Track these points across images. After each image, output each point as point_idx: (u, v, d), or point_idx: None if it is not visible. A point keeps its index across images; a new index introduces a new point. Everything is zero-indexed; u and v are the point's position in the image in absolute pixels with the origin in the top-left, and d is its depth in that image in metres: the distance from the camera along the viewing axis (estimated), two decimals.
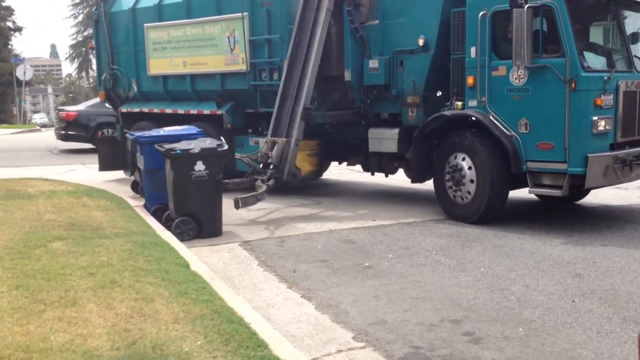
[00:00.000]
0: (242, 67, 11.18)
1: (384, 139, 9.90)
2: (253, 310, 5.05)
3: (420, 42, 9.19)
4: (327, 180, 13.01)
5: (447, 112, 8.84)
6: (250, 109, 11.34)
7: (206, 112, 11.79)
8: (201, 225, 8.02)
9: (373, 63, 9.81)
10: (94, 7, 14.79)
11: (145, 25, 12.69)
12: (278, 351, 4.13)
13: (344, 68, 10.14)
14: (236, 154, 10.72)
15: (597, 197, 10.12)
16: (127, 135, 9.95)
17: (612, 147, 7.97)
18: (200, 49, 11.81)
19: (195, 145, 8.07)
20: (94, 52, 14.78)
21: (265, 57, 10.94)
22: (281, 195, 10.81)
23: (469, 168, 8.48)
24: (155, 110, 12.77)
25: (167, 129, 9.47)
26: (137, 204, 9.54)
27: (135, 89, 13.19)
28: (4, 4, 61.58)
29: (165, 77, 12.61)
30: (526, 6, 7.59)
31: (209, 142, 8.31)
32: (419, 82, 9.37)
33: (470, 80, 8.51)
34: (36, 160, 17.82)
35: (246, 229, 8.58)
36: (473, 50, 8.46)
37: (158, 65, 12.60)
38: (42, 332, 4.26)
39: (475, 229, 8.21)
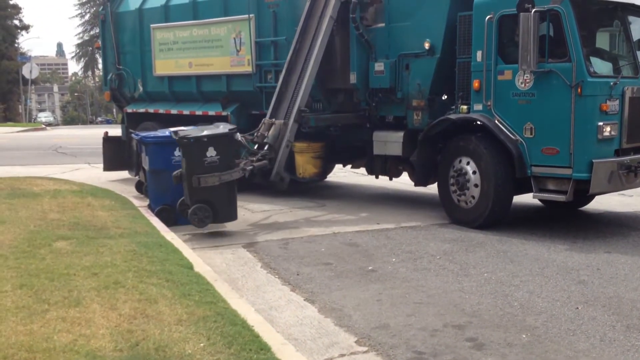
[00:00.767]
0: (247, 68, 11.20)
1: (389, 142, 9.89)
2: (256, 312, 5.05)
3: (426, 45, 9.19)
4: (331, 183, 13.01)
5: (453, 116, 8.83)
6: (256, 110, 11.35)
7: (211, 113, 11.80)
8: (217, 210, 8.08)
9: (379, 66, 9.81)
10: (101, 7, 14.81)
11: (151, 25, 12.72)
12: (281, 354, 4.13)
13: (349, 79, 10.14)
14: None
15: (602, 203, 10.09)
16: (133, 135, 9.98)
17: (617, 153, 7.95)
18: (206, 50, 11.83)
19: (208, 131, 8.17)
20: (100, 51, 14.82)
21: (271, 58, 10.96)
22: (285, 197, 10.83)
23: (474, 172, 8.47)
24: (161, 111, 12.79)
25: (172, 129, 9.46)
26: (141, 204, 9.56)
27: (141, 89, 13.23)
28: (11, 2, 61.82)
29: (170, 78, 12.63)
30: (533, 10, 7.59)
31: (221, 127, 8.35)
32: (424, 85, 9.37)
33: (476, 84, 8.50)
34: (41, 159, 17.88)
35: (250, 230, 8.59)
36: (479, 54, 8.45)
37: (164, 65, 12.63)
38: (45, 332, 4.27)
39: (479, 233, 8.19)
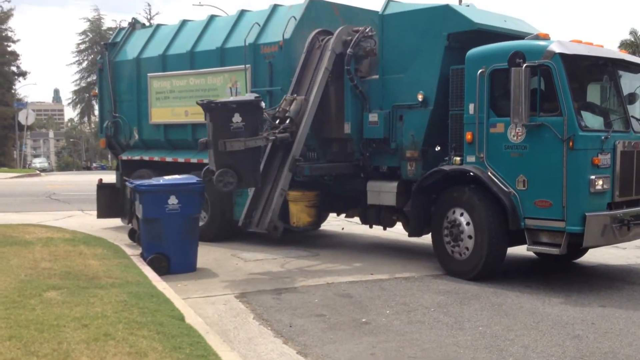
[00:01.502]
0: None
1: (383, 192, 9.93)
2: None
3: (420, 97, 9.32)
4: (325, 232, 12.98)
5: (446, 167, 8.89)
6: None
7: (206, 160, 11.81)
8: (241, 176, 8.46)
9: (373, 117, 9.92)
10: (99, 56, 15.02)
11: (148, 74, 12.86)
12: None
13: (343, 129, 10.25)
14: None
15: (596, 255, 10.09)
16: (127, 183, 9.98)
17: (610, 206, 7.98)
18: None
19: (234, 99, 8.95)
20: (97, 99, 14.94)
21: (266, 108, 11.04)
22: (278, 247, 10.79)
23: (467, 224, 8.48)
24: (156, 159, 12.83)
25: (166, 177, 9.49)
26: (134, 252, 9.50)
27: (137, 136, 13.29)
28: (9, 49, 62.49)
29: (166, 126, 12.71)
30: (524, 65, 7.72)
31: (247, 95, 8.89)
32: (417, 136, 9.46)
33: (468, 136, 8.59)
34: (35, 206, 17.82)
35: (243, 280, 8.52)
36: (471, 106, 8.56)
37: (160, 114, 12.72)
38: None
39: (473, 285, 8.15)
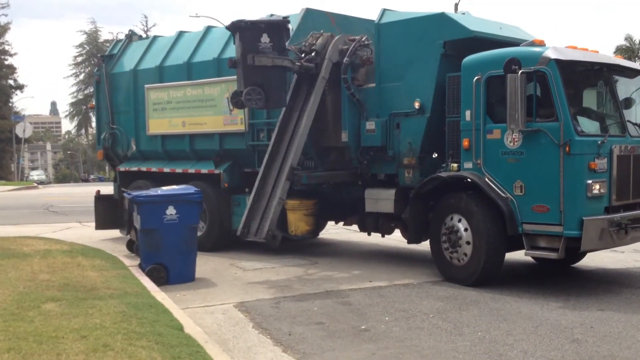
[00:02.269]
0: (240, 127, 11.32)
1: (381, 200, 9.94)
2: None
3: (416, 105, 9.35)
4: (323, 240, 12.98)
5: (443, 174, 8.91)
6: (248, 168, 11.41)
7: (204, 171, 11.87)
8: (269, 95, 8.96)
9: (370, 125, 9.94)
10: (96, 68, 15.03)
11: (146, 86, 12.89)
12: None
13: (340, 137, 10.28)
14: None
15: (594, 259, 10.10)
16: (125, 194, 9.99)
17: (607, 210, 8.00)
18: (199, 110, 11.97)
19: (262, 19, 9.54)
20: (94, 111, 14.95)
21: (263, 117, 11.09)
22: (277, 255, 10.78)
23: (465, 230, 8.49)
24: (154, 169, 12.84)
25: (164, 188, 9.49)
26: (132, 263, 9.49)
27: (134, 148, 13.30)
28: (6, 63, 62.60)
29: (164, 137, 12.73)
30: (520, 72, 7.76)
31: (275, 16, 9.76)
32: (415, 143, 9.48)
33: (465, 143, 8.61)
34: (33, 218, 17.81)
35: (241, 289, 8.51)
36: (468, 113, 8.60)
37: (157, 125, 12.75)
38: None
39: (472, 291, 8.16)
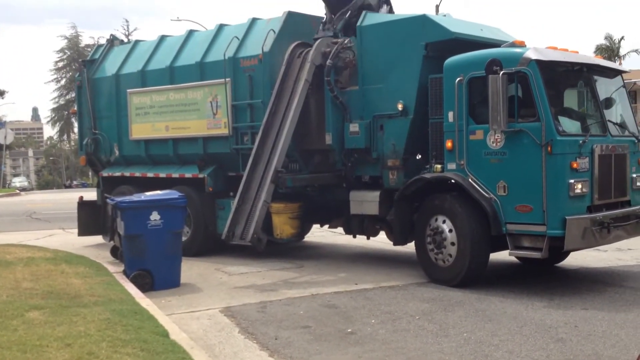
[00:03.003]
0: (224, 131, 11.29)
1: (365, 202, 9.96)
2: None
3: (399, 106, 9.38)
4: (309, 243, 12.97)
5: (427, 175, 8.94)
6: (232, 172, 11.38)
7: (188, 175, 11.82)
8: None
9: (353, 127, 9.96)
10: (77, 73, 14.92)
11: (128, 90, 12.81)
12: None
13: (324, 140, 10.28)
14: None
15: (577, 259, 10.18)
16: (108, 200, 9.92)
17: (590, 209, 8.07)
18: (183, 114, 11.92)
19: None
20: (77, 117, 14.84)
21: (247, 121, 11.07)
22: (262, 259, 10.76)
23: (450, 230, 8.52)
24: (137, 174, 12.76)
25: (148, 193, 9.44)
26: (116, 269, 9.43)
27: (117, 153, 13.22)
28: None
29: (147, 142, 12.66)
30: (501, 73, 7.81)
31: None
32: (398, 145, 9.51)
33: (448, 144, 8.65)
34: (15, 225, 17.64)
35: (227, 293, 8.48)
36: (450, 114, 8.64)
37: (140, 129, 12.67)
38: None
39: (457, 292, 8.19)
